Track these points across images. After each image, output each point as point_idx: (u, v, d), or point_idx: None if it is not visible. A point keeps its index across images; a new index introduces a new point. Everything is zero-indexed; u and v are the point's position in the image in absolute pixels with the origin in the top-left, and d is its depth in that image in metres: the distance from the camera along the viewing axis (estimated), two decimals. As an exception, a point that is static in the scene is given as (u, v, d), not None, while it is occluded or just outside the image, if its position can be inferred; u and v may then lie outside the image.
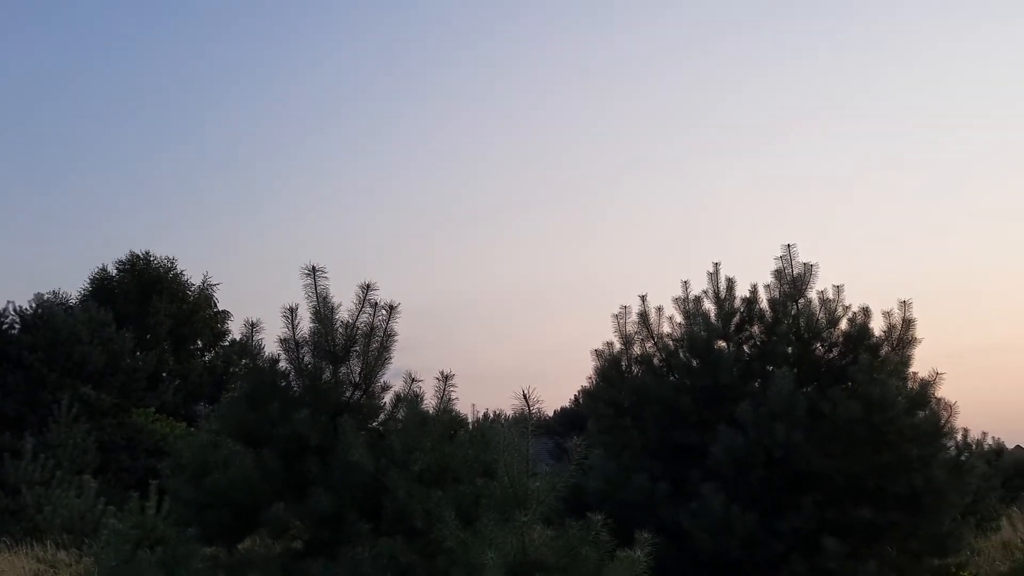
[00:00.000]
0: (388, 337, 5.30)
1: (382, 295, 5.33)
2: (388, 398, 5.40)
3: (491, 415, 6.87)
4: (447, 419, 5.12)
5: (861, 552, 7.61)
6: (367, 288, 5.29)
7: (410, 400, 5.11)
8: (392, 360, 5.30)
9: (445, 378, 5.12)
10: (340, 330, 5.32)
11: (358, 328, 5.31)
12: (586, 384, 9.79)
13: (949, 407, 8.36)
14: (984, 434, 10.29)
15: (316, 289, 5.28)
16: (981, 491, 13.62)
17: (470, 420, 7.96)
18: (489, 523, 4.10)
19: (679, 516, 7.76)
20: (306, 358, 5.39)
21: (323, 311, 5.29)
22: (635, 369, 9.30)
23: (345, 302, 5.42)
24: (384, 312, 5.30)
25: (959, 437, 9.08)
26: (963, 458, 9.01)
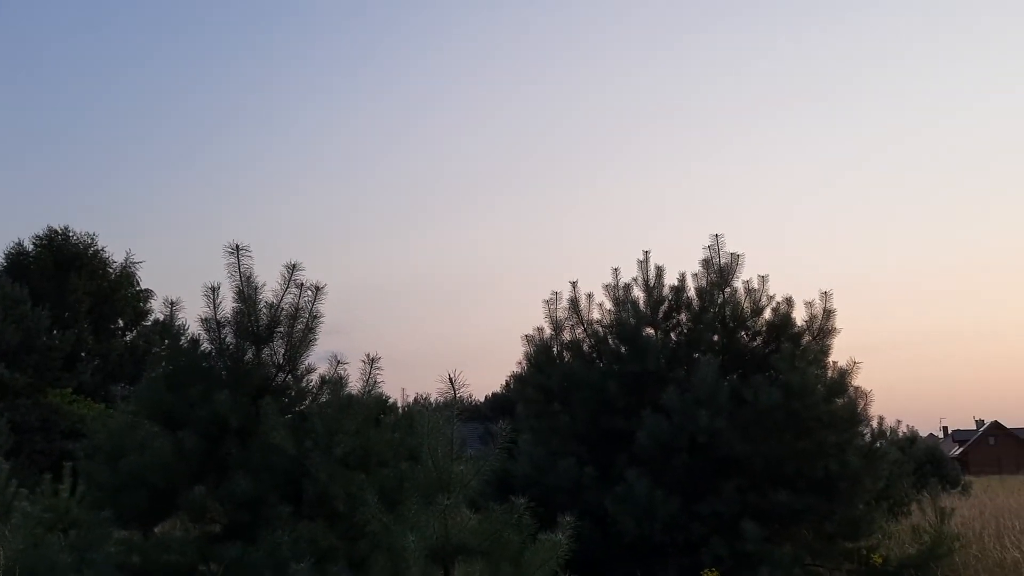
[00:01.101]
0: (314, 318, 5.20)
1: (317, 277, 5.22)
2: (313, 380, 5.31)
3: (420, 399, 6.80)
4: (372, 402, 5.05)
5: (778, 535, 7.82)
6: (293, 268, 5.18)
7: (334, 382, 5.03)
8: (318, 341, 5.21)
9: (371, 361, 5.03)
10: (264, 310, 5.19)
11: (283, 309, 5.19)
12: (517, 369, 9.80)
13: (865, 395, 8.63)
14: (899, 422, 10.65)
15: (240, 268, 5.15)
16: (894, 477, 14.12)
17: (400, 404, 7.89)
18: (412, 507, 4.07)
19: (604, 500, 7.84)
20: (228, 338, 5.25)
21: (246, 291, 5.15)
22: (565, 355, 9.36)
23: (272, 283, 5.30)
24: (310, 293, 5.20)
25: (874, 424, 9.38)
26: (877, 445, 9.31)
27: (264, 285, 5.22)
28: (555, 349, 9.36)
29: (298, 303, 5.18)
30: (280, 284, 5.19)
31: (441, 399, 4.24)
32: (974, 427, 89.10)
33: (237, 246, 5.10)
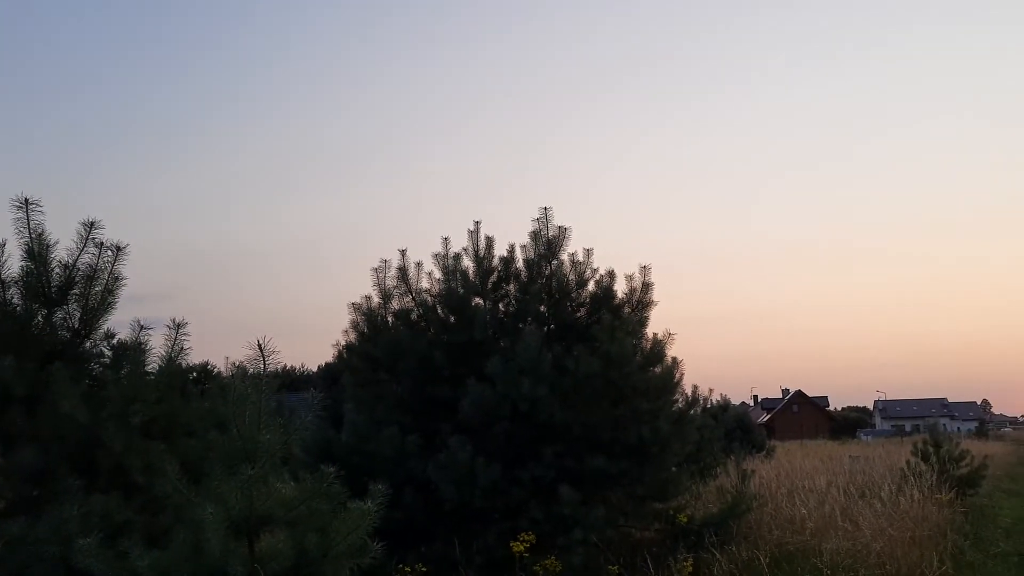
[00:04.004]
0: (114, 280, 4.86)
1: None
2: (112, 346, 4.97)
3: (233, 367, 6.51)
4: (177, 370, 4.80)
5: (593, 498, 8.13)
6: (91, 226, 4.81)
7: (134, 348, 4.73)
8: (117, 305, 4.87)
9: (177, 326, 4.77)
10: (57, 270, 4.80)
11: (79, 269, 4.82)
12: (343, 339, 9.59)
13: (678, 365, 9.10)
14: (711, 391, 11.37)
15: (29, 223, 4.72)
16: (704, 442, 15.07)
17: (225, 372, 7.54)
18: (215, 477, 3.91)
19: (427, 468, 7.88)
20: (15, 300, 4.82)
21: (37, 248, 4.74)
22: (399, 325, 9.26)
23: (68, 242, 4.90)
24: (111, 253, 4.85)
25: (688, 392, 9.91)
26: (690, 412, 9.87)
27: (57, 243, 4.83)
28: (384, 318, 9.26)
29: (97, 263, 4.82)
30: (76, 243, 4.81)
31: (249, 365, 4.08)
32: (780, 396, 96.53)
33: (26, 199, 4.67)
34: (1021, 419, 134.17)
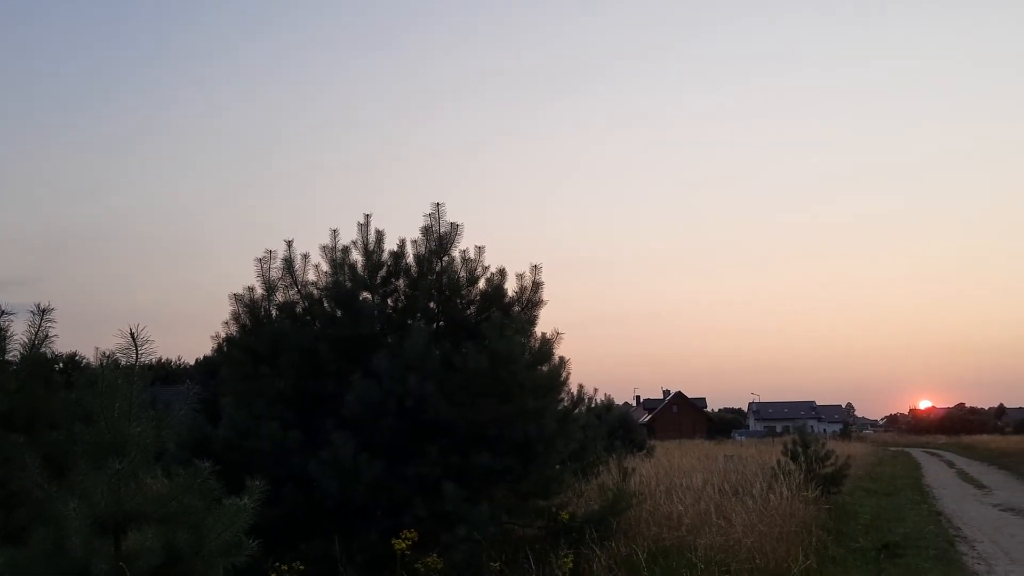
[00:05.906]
0: (-27, 261, 4.53)
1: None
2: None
3: (103, 356, 6.18)
4: (41, 359, 4.51)
5: (478, 495, 8.13)
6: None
7: (-8, 334, 4.42)
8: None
9: (42, 312, 4.48)
10: (-93, 249, 4.44)
11: (-68, 249, 4.47)
12: (223, 331, 9.21)
13: (565, 364, 9.21)
14: (595, 390, 11.49)
15: None
16: (588, 440, 15.30)
17: (93, 363, 7.16)
18: (80, 472, 3.70)
19: (309, 464, 7.71)
20: None
21: None
22: (283, 318, 9.00)
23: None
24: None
25: (574, 391, 10.05)
26: (577, 411, 10.01)
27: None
28: (267, 310, 8.99)
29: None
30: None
31: (120, 355, 3.88)
32: (661, 396, 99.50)
33: None
34: (881, 422, 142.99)
